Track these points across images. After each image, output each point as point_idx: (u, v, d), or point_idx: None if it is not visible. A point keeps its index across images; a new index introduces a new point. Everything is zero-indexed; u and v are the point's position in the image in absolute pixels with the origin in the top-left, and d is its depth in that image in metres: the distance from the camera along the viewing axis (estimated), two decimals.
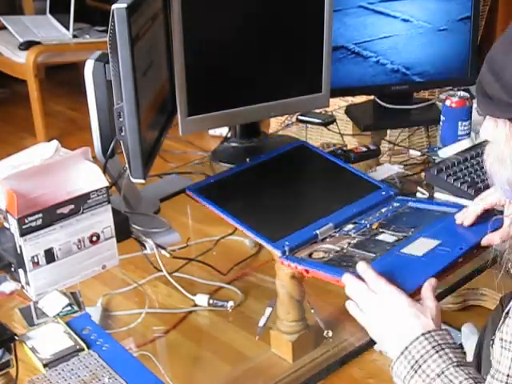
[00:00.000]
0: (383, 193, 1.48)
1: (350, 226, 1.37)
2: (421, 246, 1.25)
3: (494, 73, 0.96)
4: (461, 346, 1.04)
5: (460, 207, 1.35)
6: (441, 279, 1.16)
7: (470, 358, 1.49)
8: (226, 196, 1.48)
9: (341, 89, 1.94)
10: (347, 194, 1.49)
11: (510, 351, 0.93)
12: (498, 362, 0.95)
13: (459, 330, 2.19)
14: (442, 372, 0.98)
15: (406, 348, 1.01)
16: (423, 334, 1.01)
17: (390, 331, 1.05)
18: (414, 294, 1.09)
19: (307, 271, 1.21)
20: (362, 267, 1.11)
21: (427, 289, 1.09)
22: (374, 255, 1.24)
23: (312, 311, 1.29)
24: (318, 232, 1.32)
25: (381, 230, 1.34)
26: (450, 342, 1.02)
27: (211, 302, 1.39)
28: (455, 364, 0.98)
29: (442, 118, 1.83)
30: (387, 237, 1.31)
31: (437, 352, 1.00)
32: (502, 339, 0.94)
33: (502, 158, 1.00)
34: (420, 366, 0.99)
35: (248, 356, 1.32)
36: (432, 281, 1.11)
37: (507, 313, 0.97)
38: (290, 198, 1.49)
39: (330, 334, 1.29)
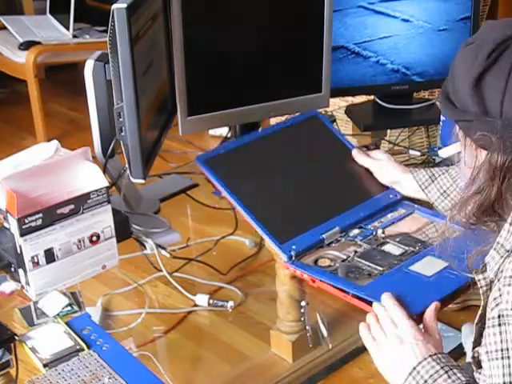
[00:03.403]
0: (391, 196, 1.46)
1: (356, 232, 1.36)
2: (429, 266, 1.24)
3: (451, 76, 1.04)
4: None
5: None
6: (445, 305, 1.17)
7: (469, 357, 1.49)
8: (233, 172, 1.41)
9: (341, 89, 1.94)
10: (356, 189, 1.45)
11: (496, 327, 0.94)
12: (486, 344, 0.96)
13: (459, 330, 2.19)
14: None
15: (414, 368, 1.02)
16: (431, 356, 1.03)
17: (396, 356, 1.06)
18: (420, 317, 1.11)
19: (313, 280, 1.21)
20: (387, 302, 1.12)
21: (431, 318, 1.11)
22: (381, 269, 1.23)
23: (318, 317, 1.29)
24: (324, 236, 1.32)
25: (387, 239, 1.34)
26: (455, 365, 1.03)
27: (211, 301, 1.39)
28: (464, 382, 1.00)
29: (442, 118, 1.83)
30: (393, 248, 1.30)
31: (446, 372, 1.01)
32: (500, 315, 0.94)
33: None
34: None
35: (248, 356, 1.32)
36: (437, 305, 1.12)
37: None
38: (298, 184, 1.43)
39: (330, 346, 1.30)
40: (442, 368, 1.01)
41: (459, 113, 1.01)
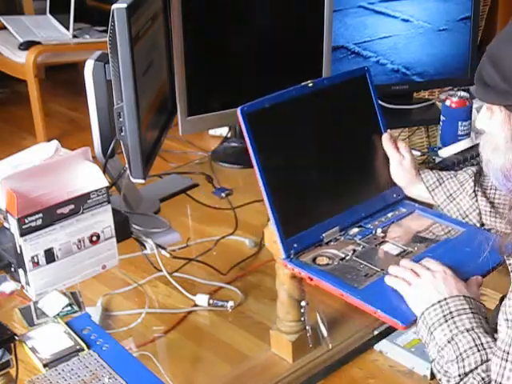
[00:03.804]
0: (394, 195, 1.44)
1: (356, 230, 1.35)
2: None
3: (493, 63, 1.01)
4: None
5: (466, 226, 1.34)
6: None
7: None
8: (267, 134, 1.31)
9: None
10: (367, 182, 1.41)
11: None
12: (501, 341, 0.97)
13: None
14: (472, 328, 1.01)
15: (445, 299, 1.05)
16: (465, 297, 1.06)
17: (429, 288, 1.09)
18: (409, 325, 1.10)
19: (311, 279, 1.20)
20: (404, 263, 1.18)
21: (474, 281, 1.13)
22: (378, 269, 1.23)
23: (318, 317, 1.29)
24: (323, 236, 1.31)
25: (386, 239, 1.33)
26: (485, 316, 1.06)
27: (211, 301, 1.39)
28: (486, 328, 1.02)
29: (442, 118, 1.83)
30: (392, 248, 1.30)
31: (473, 313, 1.04)
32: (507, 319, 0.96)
33: (495, 147, 1.05)
34: (452, 317, 1.03)
35: (248, 356, 1.32)
36: (478, 278, 1.15)
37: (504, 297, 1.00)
38: (320, 164, 1.37)
39: (330, 346, 1.29)
40: (470, 309, 1.04)
41: None
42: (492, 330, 1.03)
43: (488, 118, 1.06)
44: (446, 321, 1.03)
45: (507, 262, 1.06)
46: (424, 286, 1.10)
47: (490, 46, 1.04)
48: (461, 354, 0.99)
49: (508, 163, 1.04)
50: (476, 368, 0.98)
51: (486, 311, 1.08)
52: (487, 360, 0.98)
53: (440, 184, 1.37)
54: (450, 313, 1.04)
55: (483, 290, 2.24)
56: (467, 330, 1.01)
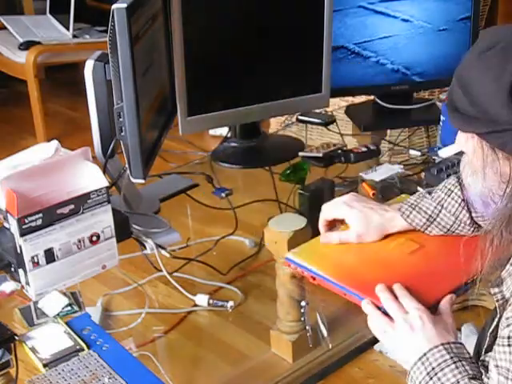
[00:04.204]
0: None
1: None
2: None
3: (462, 87, 0.97)
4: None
5: None
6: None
7: None
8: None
9: (341, 89, 1.94)
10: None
11: None
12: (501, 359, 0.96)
13: (459, 329, 2.19)
14: (458, 382, 0.99)
15: (425, 354, 1.02)
16: (443, 344, 1.03)
17: (410, 339, 1.05)
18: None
19: (314, 278, 1.20)
20: (397, 291, 1.11)
21: (447, 303, 1.10)
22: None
23: (318, 317, 1.29)
24: None
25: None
26: (466, 357, 1.03)
27: (211, 302, 1.39)
28: (470, 376, 1.00)
29: (442, 118, 1.83)
30: None
31: (454, 363, 1.01)
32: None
33: (474, 171, 1.01)
34: (436, 374, 1.00)
35: (248, 356, 1.32)
36: (452, 296, 1.11)
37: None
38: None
39: (330, 346, 1.29)
40: (451, 358, 1.01)
41: (488, 124, 0.94)
42: (478, 371, 1.01)
43: (464, 140, 1.01)
44: (431, 378, 1.01)
45: (491, 291, 1.03)
46: (401, 340, 1.06)
47: (459, 68, 0.99)
48: None
49: (485, 190, 1.00)
50: None
51: (468, 354, 1.04)
52: None
53: (413, 209, 1.27)
54: (433, 369, 1.01)
55: (483, 290, 2.24)
56: None
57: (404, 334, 1.05)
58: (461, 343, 1.05)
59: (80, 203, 1.27)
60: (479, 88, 0.95)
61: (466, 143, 1.00)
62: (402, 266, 1.21)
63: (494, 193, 0.99)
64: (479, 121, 0.95)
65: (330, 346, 1.29)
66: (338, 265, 1.21)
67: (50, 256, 1.26)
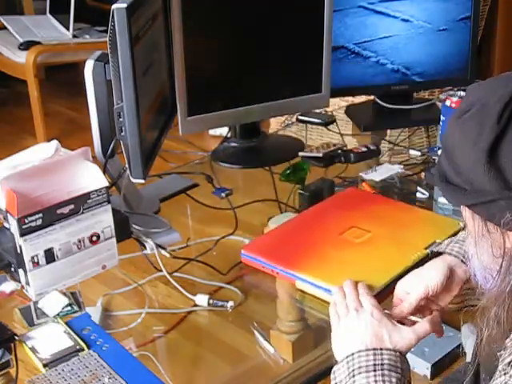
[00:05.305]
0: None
1: None
2: None
3: (447, 156, 0.91)
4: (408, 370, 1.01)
5: None
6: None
7: (469, 357, 1.49)
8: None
9: (341, 89, 1.94)
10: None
11: None
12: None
13: (459, 330, 2.19)
14: None
15: (352, 354, 1.00)
16: (374, 349, 1.00)
17: (347, 337, 1.04)
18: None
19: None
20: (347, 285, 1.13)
21: (433, 318, 1.08)
22: None
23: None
24: None
25: None
26: (398, 365, 0.99)
27: (211, 301, 1.39)
28: None
29: (442, 118, 1.83)
30: None
31: (374, 370, 0.97)
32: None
33: (470, 242, 0.96)
34: (354, 376, 0.98)
35: (248, 356, 1.32)
36: (436, 316, 1.10)
37: None
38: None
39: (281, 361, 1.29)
40: (373, 365, 0.98)
41: (473, 195, 0.87)
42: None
43: (462, 209, 0.94)
44: (350, 378, 0.98)
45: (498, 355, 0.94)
46: (345, 330, 1.05)
47: (443, 134, 0.93)
48: None
49: (482, 263, 0.94)
50: None
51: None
52: None
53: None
54: (353, 371, 0.98)
55: (483, 290, 2.23)
56: None
57: (349, 324, 1.05)
58: (402, 355, 1.00)
59: (80, 203, 1.27)
60: (461, 155, 0.88)
61: (464, 212, 0.94)
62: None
63: (492, 268, 0.92)
64: (466, 192, 0.88)
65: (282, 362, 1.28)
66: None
67: (50, 256, 1.26)
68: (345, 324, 1.07)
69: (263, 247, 1.34)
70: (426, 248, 1.28)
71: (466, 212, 0.92)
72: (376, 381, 0.96)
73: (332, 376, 1.02)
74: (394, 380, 0.96)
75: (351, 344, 1.02)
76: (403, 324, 1.07)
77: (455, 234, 1.30)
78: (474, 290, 1.08)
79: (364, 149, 1.82)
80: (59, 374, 1.08)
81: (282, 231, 1.40)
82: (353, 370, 0.98)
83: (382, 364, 0.98)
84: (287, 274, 1.25)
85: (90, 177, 1.30)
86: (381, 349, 1.00)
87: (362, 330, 1.03)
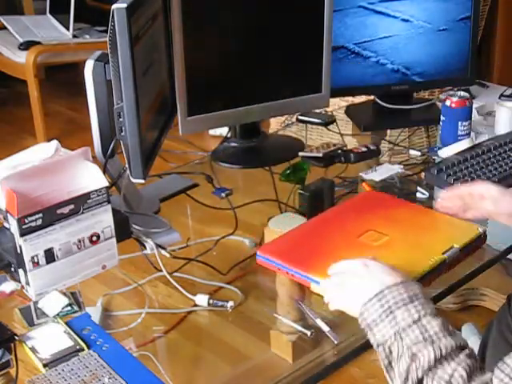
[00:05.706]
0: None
1: None
2: None
3: None
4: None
5: None
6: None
7: None
8: None
9: (341, 89, 1.94)
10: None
11: None
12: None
13: (459, 329, 2.19)
14: (419, 319, 0.96)
15: (382, 291, 1.00)
16: (402, 283, 1.01)
17: (360, 285, 1.04)
18: None
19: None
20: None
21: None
22: None
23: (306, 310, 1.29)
24: None
25: None
26: (424, 292, 1.01)
27: (211, 302, 1.39)
28: (429, 313, 0.97)
29: (442, 118, 1.83)
30: None
31: (412, 302, 0.98)
32: None
33: None
34: (392, 312, 0.98)
35: (248, 356, 1.32)
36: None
37: None
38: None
39: (336, 342, 1.28)
40: (409, 297, 0.99)
41: None
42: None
43: None
44: (387, 316, 0.98)
45: None
46: (351, 288, 1.06)
47: None
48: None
49: None
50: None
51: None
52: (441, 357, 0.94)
53: None
54: (389, 307, 0.98)
55: (483, 290, 2.24)
56: (409, 326, 0.96)
57: (357, 273, 1.06)
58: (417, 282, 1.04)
59: (80, 203, 1.27)
60: None
61: None
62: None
63: None
64: None
65: (336, 342, 1.27)
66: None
67: (50, 256, 1.26)
68: (351, 276, 1.07)
69: (279, 249, 1.32)
70: (443, 253, 1.26)
71: None
72: (418, 310, 0.97)
73: (360, 319, 1.01)
74: (431, 305, 0.99)
75: (370, 287, 1.02)
76: None
77: (474, 239, 1.31)
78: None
79: (364, 149, 1.82)
80: (59, 373, 1.08)
81: (297, 233, 1.37)
82: (389, 307, 0.98)
83: (416, 294, 0.99)
84: (302, 276, 1.23)
85: (89, 177, 1.30)
86: (406, 281, 1.01)
87: (378, 270, 1.05)
